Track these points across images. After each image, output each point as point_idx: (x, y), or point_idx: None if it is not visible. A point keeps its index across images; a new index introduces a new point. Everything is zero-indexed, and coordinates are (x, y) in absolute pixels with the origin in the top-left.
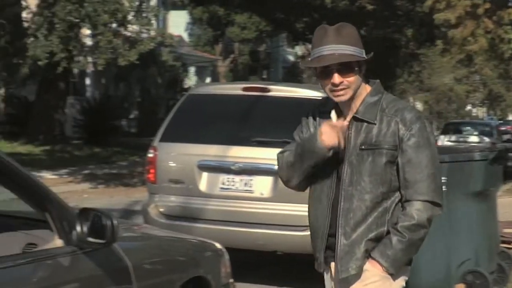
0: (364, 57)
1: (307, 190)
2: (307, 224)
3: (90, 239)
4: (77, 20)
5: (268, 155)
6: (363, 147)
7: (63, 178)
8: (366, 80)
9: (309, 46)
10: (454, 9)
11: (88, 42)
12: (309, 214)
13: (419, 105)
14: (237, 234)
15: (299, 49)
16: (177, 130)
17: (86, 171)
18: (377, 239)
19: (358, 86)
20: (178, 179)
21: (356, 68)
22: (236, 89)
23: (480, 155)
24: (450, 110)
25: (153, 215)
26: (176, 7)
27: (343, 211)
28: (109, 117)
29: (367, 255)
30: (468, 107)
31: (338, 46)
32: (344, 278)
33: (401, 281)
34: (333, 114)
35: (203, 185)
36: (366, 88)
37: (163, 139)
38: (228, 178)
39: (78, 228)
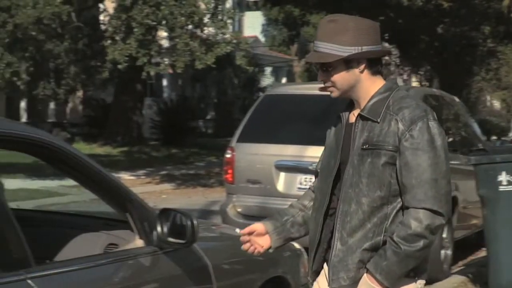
0: (342, 55)
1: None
2: None
3: (171, 239)
4: (154, 23)
5: None
6: (364, 146)
7: (141, 179)
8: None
9: (385, 45)
10: None
11: (165, 44)
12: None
13: (496, 103)
14: None
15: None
16: (254, 130)
17: (164, 172)
18: (373, 249)
19: (350, 84)
20: (255, 179)
21: (341, 66)
22: (312, 89)
23: None
24: None
25: (231, 215)
26: (251, 8)
27: (341, 214)
28: (186, 118)
29: (362, 266)
30: None
31: (321, 43)
32: None
33: None
34: (343, 114)
35: (280, 185)
36: (378, 85)
37: (240, 140)
38: (306, 178)
39: (159, 229)
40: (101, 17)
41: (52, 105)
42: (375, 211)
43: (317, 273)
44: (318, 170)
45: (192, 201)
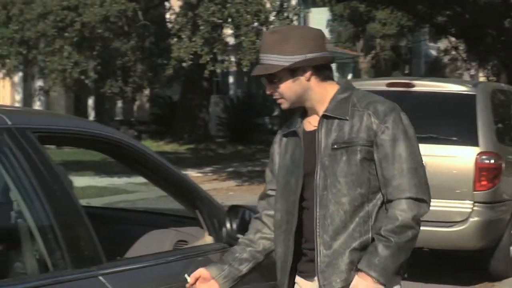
0: (284, 65)
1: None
2: (455, 220)
3: (240, 236)
4: (220, 21)
5: None
6: (335, 146)
7: (208, 176)
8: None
9: (452, 40)
10: None
11: (231, 41)
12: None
13: None
14: None
15: (442, 43)
16: None
17: (230, 169)
18: (362, 248)
19: (298, 93)
20: None
21: (286, 76)
22: (380, 85)
23: None
24: None
25: None
26: (316, 4)
27: (319, 218)
28: (252, 115)
29: (354, 267)
30: None
31: (264, 55)
32: None
33: None
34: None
35: None
36: (332, 89)
37: None
38: None
39: (228, 225)
40: (167, 15)
41: (119, 103)
42: (356, 210)
43: None
44: (271, 194)
45: None
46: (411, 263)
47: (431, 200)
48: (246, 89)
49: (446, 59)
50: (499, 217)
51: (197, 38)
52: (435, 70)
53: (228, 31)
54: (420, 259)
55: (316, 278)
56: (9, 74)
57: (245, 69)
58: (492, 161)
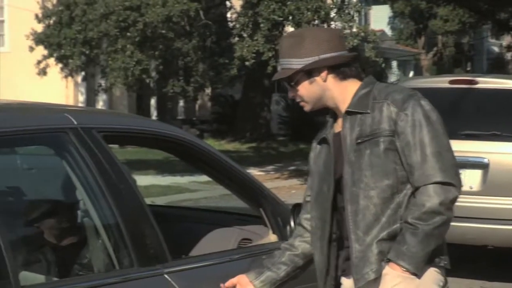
0: (297, 67)
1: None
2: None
3: None
4: (280, 19)
5: (477, 148)
6: (359, 140)
7: (270, 174)
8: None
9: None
10: None
11: None
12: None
13: None
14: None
15: (504, 40)
16: None
17: (292, 167)
18: (391, 238)
19: (317, 94)
20: None
21: (303, 78)
22: (442, 82)
23: None
24: None
25: None
26: (377, 2)
27: (351, 214)
28: (313, 113)
29: (383, 257)
30: None
31: (282, 60)
32: (362, 287)
33: (432, 285)
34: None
35: None
36: (353, 87)
37: None
38: None
39: (292, 223)
40: (228, 14)
41: (181, 102)
42: (387, 202)
43: None
44: (308, 200)
45: None
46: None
47: (497, 197)
48: None
49: (508, 55)
50: None
51: (259, 36)
52: (497, 67)
53: (288, 28)
54: (484, 257)
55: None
56: (72, 74)
57: None
58: None
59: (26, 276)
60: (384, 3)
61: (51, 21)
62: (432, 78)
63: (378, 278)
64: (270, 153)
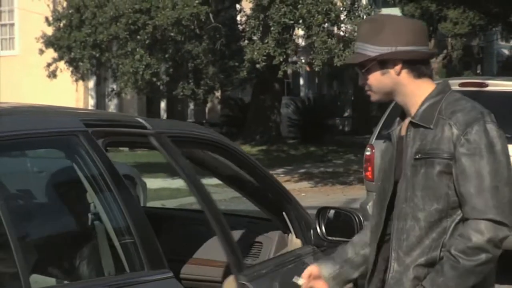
0: (371, 55)
1: None
2: None
3: (332, 238)
4: (291, 22)
5: None
6: (417, 156)
7: (280, 177)
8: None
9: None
10: None
11: (302, 42)
12: None
13: None
14: None
15: None
16: None
17: (302, 170)
18: (428, 265)
19: (387, 87)
20: None
21: (375, 67)
22: (453, 85)
23: None
24: None
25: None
26: (387, 4)
27: (396, 232)
28: (323, 116)
29: (418, 283)
30: None
31: (357, 43)
32: None
33: None
34: (397, 121)
35: None
36: (427, 88)
37: (379, 137)
38: None
39: (318, 228)
40: (238, 17)
41: (191, 105)
42: (433, 226)
43: None
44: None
45: (331, 199)
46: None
47: None
48: (317, 90)
49: None
50: None
51: (269, 39)
52: (508, 70)
53: (299, 32)
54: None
55: None
56: (82, 77)
57: (317, 69)
58: None
59: (37, 279)
60: (394, 5)
61: (61, 24)
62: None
63: None
64: (280, 156)
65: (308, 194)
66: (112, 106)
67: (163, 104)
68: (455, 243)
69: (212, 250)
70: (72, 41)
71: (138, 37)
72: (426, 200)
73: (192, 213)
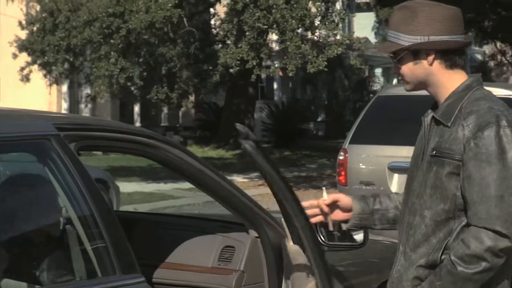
0: (404, 44)
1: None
2: None
3: (333, 243)
4: (265, 27)
5: None
6: (433, 153)
7: (254, 181)
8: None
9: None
10: None
11: (276, 47)
12: None
13: None
14: None
15: (487, 48)
16: (367, 132)
17: None
18: (429, 266)
19: (419, 77)
20: (369, 181)
21: (408, 57)
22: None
23: None
24: None
25: None
26: (361, 9)
27: (406, 226)
28: (297, 121)
29: (418, 283)
30: None
31: (390, 32)
32: None
33: None
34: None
35: (394, 187)
36: (457, 80)
37: (353, 142)
38: None
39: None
40: (212, 21)
41: (165, 109)
42: (439, 226)
43: None
44: None
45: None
46: None
47: None
48: (291, 94)
49: (492, 63)
50: None
51: (243, 44)
52: (481, 75)
53: (273, 36)
54: None
55: None
56: (56, 81)
57: (290, 74)
58: None
59: (8, 284)
60: (368, 10)
61: (35, 28)
62: None
63: None
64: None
65: None
66: (85, 110)
67: (136, 108)
68: (456, 248)
69: (185, 254)
70: (46, 45)
71: (112, 41)
72: (434, 198)
73: (165, 217)
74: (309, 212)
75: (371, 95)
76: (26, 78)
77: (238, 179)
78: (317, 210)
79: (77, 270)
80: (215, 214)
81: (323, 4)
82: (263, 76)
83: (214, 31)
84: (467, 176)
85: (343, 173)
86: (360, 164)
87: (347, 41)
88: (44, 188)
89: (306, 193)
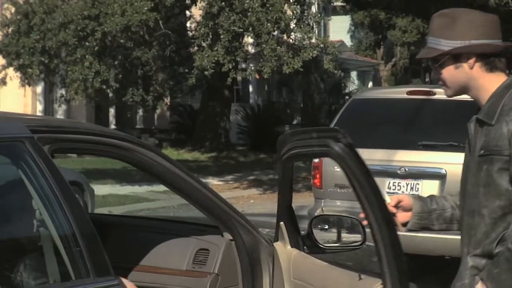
0: (444, 49)
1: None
2: None
3: (329, 245)
4: (241, 30)
5: (434, 159)
6: (481, 152)
7: (229, 184)
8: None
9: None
10: None
11: (251, 50)
12: None
13: None
14: (404, 239)
15: None
16: None
17: (252, 177)
18: (484, 255)
19: (461, 81)
20: (344, 184)
21: (449, 62)
22: (400, 92)
23: None
24: None
25: None
26: (337, 12)
27: (466, 227)
28: (273, 123)
29: (476, 272)
30: None
31: (430, 38)
32: None
33: None
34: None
35: None
36: (499, 81)
37: None
38: (394, 182)
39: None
40: (188, 24)
41: (140, 112)
42: (498, 222)
43: None
44: None
45: None
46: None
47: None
48: (267, 97)
49: None
50: None
51: (219, 47)
52: None
53: (249, 39)
54: (445, 268)
55: None
56: (29, 82)
57: (266, 76)
58: None
59: None
60: (343, 13)
61: (10, 30)
62: (390, 89)
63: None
64: (229, 163)
65: (256, 201)
66: (60, 112)
67: (112, 111)
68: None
69: (159, 257)
70: (21, 47)
71: (87, 43)
72: (488, 196)
73: (139, 220)
74: None
75: (347, 97)
76: (2, 82)
77: (213, 182)
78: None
79: (51, 273)
80: (190, 217)
81: (298, 7)
82: (239, 78)
83: (190, 34)
84: None
85: (318, 176)
86: (335, 167)
87: (321, 45)
88: (18, 190)
89: None
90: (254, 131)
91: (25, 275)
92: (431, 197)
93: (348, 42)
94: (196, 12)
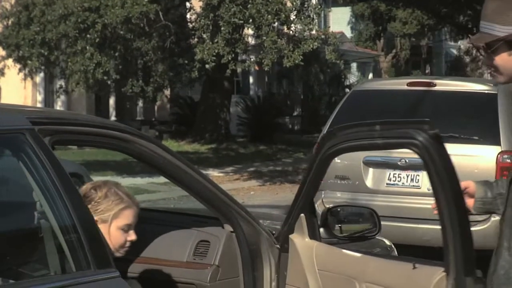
0: (498, 35)
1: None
2: (476, 219)
3: (345, 235)
4: (241, 22)
5: None
6: None
7: (230, 175)
8: None
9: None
10: None
11: (252, 41)
12: None
13: None
14: (403, 230)
15: (462, 43)
16: None
17: (252, 169)
18: None
19: None
20: (344, 175)
21: (503, 48)
22: (400, 84)
23: None
24: None
25: (320, 211)
26: (337, 3)
27: (509, 220)
28: (273, 115)
29: None
30: None
31: (482, 23)
32: None
33: None
34: None
35: (369, 181)
36: None
37: None
38: (395, 173)
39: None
40: (188, 15)
41: (140, 103)
42: None
43: None
44: None
45: (280, 198)
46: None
47: None
48: (267, 89)
49: (467, 58)
50: None
51: (219, 39)
52: (456, 69)
53: (249, 31)
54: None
55: None
56: (30, 75)
57: (266, 68)
58: None
59: None
60: (344, 5)
61: (9, 22)
62: (390, 80)
63: None
64: (229, 154)
65: (257, 193)
66: (60, 103)
67: (112, 102)
68: None
69: (159, 248)
70: (21, 39)
71: (88, 35)
72: None
73: (140, 211)
74: None
75: (347, 89)
76: (1, 73)
77: (214, 173)
78: None
79: (52, 265)
80: (190, 209)
81: None
82: (239, 70)
83: (190, 25)
84: None
85: None
86: (335, 159)
87: (322, 36)
88: (18, 182)
89: (281, 187)
90: (254, 122)
91: (25, 267)
92: (498, 181)
93: (348, 33)
94: (196, 3)
